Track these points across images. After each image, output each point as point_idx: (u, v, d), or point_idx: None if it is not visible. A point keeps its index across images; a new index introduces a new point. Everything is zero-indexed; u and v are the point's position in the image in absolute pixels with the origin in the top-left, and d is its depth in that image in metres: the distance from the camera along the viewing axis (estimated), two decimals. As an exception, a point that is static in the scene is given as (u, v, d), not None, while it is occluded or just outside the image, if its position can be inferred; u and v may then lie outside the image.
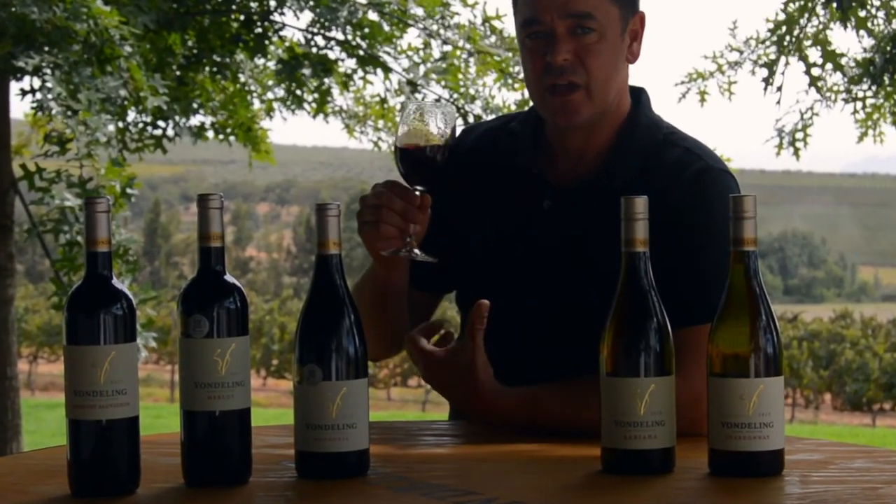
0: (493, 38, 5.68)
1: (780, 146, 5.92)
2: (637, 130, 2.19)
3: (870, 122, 5.87)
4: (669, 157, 2.17)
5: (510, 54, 5.61)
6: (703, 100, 6.00)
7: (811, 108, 5.87)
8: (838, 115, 6.02)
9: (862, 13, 5.46)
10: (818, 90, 5.75)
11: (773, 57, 5.79)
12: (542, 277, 2.17)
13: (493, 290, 2.17)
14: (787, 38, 5.69)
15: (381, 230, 2.05)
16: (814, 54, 5.77)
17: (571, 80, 2.10)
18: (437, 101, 2.01)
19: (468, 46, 5.63)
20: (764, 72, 5.86)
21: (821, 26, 5.67)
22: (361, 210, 2.07)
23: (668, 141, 2.20)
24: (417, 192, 2.05)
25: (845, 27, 5.50)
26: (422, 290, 2.31)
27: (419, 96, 5.80)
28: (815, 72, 5.76)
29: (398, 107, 5.98)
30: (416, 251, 2.06)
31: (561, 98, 2.11)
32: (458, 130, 2.16)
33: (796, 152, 5.91)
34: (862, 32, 5.53)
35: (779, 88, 5.81)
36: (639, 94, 2.24)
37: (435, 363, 2.07)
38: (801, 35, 5.68)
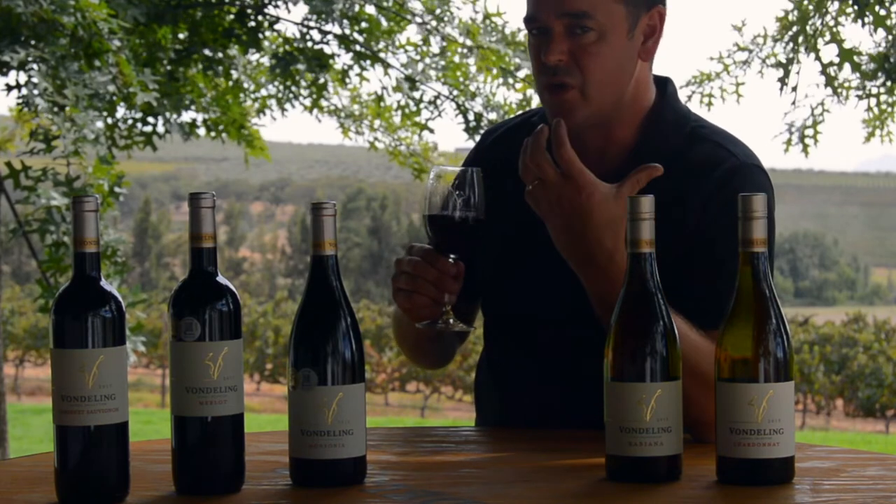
0: (494, 37, 5.63)
1: (788, 142, 5.82)
2: (662, 125, 2.13)
3: (877, 122, 5.78)
4: (698, 152, 2.10)
5: (510, 51, 5.56)
6: (709, 104, 5.93)
7: (822, 104, 5.77)
8: (852, 111, 5.94)
9: (881, 11, 5.37)
10: (834, 91, 5.67)
11: (785, 55, 5.71)
12: (562, 276, 2.12)
13: (513, 287, 2.14)
14: (801, 36, 5.62)
15: (415, 300, 2.03)
16: (829, 52, 5.71)
17: (564, 80, 2.06)
18: (463, 168, 1.97)
19: (468, 42, 5.58)
20: (774, 69, 5.79)
21: (832, 20, 5.59)
22: (396, 276, 2.06)
23: (695, 135, 2.13)
24: (451, 260, 2.02)
25: (863, 24, 5.42)
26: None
27: (417, 94, 5.75)
28: (830, 70, 5.67)
29: (395, 105, 5.94)
30: (451, 321, 2.04)
31: (556, 98, 2.08)
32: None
33: (805, 149, 5.81)
34: (870, 23, 5.44)
35: (794, 89, 5.74)
36: (664, 85, 2.17)
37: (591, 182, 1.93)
38: (816, 33, 5.61)
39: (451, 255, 2.02)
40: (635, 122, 2.13)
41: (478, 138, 2.40)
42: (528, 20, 2.11)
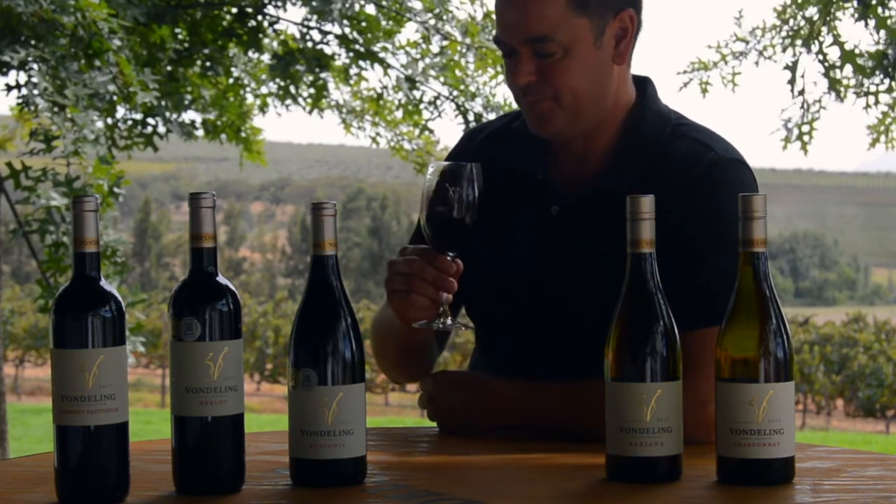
0: (493, 34, 5.63)
1: (786, 139, 5.79)
2: (643, 126, 2.13)
3: (882, 128, 5.76)
4: (678, 150, 2.11)
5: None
6: (704, 90, 5.91)
7: (819, 101, 5.74)
8: (851, 111, 5.93)
9: (882, 12, 5.36)
10: (838, 94, 5.65)
11: (790, 57, 5.70)
12: (552, 283, 2.11)
13: (503, 297, 2.13)
14: (808, 39, 5.60)
15: (413, 300, 1.97)
16: (830, 54, 5.67)
17: (537, 98, 2.09)
18: (461, 163, 1.94)
19: (467, 41, 5.58)
20: (771, 64, 5.78)
21: (830, 18, 5.58)
22: (391, 278, 2.00)
23: (676, 133, 2.13)
24: (449, 258, 1.98)
25: (866, 25, 5.40)
26: None
27: (417, 94, 5.74)
28: (833, 73, 5.65)
29: (396, 103, 5.93)
30: (450, 321, 1.99)
31: (533, 108, 2.11)
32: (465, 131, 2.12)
33: (804, 146, 5.79)
34: (872, 25, 5.43)
35: (801, 92, 5.71)
36: (644, 86, 2.17)
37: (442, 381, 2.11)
38: (820, 37, 5.60)
39: (450, 254, 1.98)
40: (615, 125, 2.13)
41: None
42: (496, 41, 2.14)
